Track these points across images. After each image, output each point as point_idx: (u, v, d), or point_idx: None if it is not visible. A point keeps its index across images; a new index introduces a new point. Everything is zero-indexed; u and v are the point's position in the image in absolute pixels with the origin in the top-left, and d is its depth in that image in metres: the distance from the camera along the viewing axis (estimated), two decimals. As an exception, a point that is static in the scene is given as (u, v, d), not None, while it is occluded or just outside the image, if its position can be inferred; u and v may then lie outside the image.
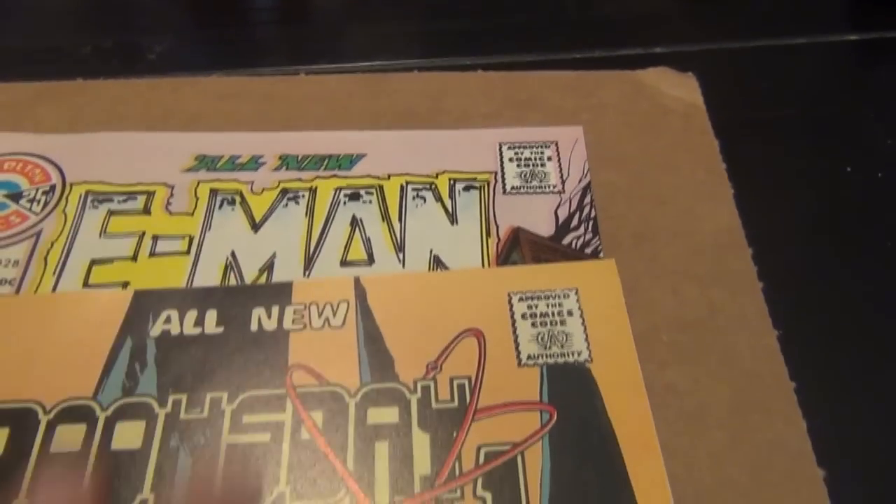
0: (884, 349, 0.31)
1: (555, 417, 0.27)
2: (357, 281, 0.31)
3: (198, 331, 0.29)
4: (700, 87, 0.39)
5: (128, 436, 0.27)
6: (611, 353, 0.29)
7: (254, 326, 0.29)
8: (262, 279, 0.31)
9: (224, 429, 0.27)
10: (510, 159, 0.35)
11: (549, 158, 0.35)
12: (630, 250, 0.32)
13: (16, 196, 0.34)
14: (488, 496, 0.25)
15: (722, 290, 0.31)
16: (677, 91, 0.39)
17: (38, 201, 0.34)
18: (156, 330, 0.29)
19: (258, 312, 0.30)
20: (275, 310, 0.30)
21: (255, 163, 0.35)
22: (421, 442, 0.27)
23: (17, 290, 0.31)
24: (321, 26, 0.46)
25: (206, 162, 0.35)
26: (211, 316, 0.30)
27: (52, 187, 0.34)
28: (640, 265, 0.32)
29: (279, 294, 0.30)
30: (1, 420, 0.27)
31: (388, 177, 0.35)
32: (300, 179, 0.35)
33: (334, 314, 0.30)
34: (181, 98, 0.38)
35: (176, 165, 0.35)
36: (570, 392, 0.28)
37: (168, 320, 0.29)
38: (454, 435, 0.27)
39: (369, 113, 0.38)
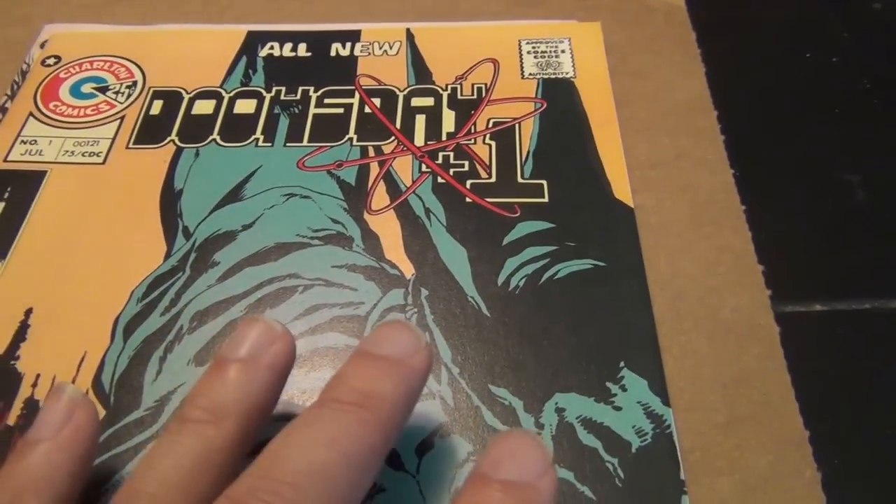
0: (822, 180, 0.36)
1: (545, 106, 0.38)
2: (408, 30, 0.42)
3: (293, 55, 0.41)
4: (683, -8, 0.45)
5: (244, 106, 0.39)
6: (589, 74, 0.39)
7: (333, 53, 0.41)
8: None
9: (311, 104, 0.38)
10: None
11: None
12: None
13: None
14: (493, 144, 0.36)
15: (688, 139, 0.37)
16: (662, -5, 0.44)
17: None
18: (263, 52, 0.41)
19: (336, 45, 0.42)
20: (348, 44, 0.42)
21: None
22: (448, 116, 0.38)
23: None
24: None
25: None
26: (302, 46, 0.42)
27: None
28: (619, 123, 0.38)
29: (351, 35, 0.42)
30: (158, 96, 0.39)
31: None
32: (336, 59, 0.41)
33: (391, 47, 0.41)
34: (235, -1, 0.45)
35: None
36: (558, 93, 0.38)
37: (271, 48, 0.42)
38: (472, 112, 0.38)
39: (395, 10, 0.44)
